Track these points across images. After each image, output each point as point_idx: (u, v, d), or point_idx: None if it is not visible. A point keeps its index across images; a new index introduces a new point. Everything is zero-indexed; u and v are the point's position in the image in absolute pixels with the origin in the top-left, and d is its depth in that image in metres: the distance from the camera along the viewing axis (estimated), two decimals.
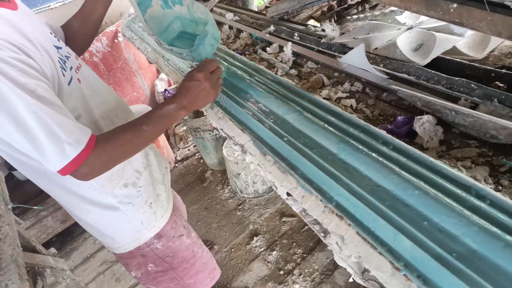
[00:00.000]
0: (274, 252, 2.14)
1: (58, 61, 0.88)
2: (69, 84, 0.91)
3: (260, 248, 2.19)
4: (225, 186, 2.73)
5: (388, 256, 0.60)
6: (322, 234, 0.76)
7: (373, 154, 0.75)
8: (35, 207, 2.25)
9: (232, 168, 2.46)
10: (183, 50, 1.02)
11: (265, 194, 2.56)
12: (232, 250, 2.24)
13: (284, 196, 0.87)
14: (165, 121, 0.93)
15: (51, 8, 2.75)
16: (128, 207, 1.10)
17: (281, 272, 2.02)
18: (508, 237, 0.53)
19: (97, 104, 1.02)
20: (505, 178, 0.69)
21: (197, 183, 2.86)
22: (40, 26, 0.93)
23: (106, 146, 0.82)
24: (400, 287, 0.57)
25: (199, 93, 0.96)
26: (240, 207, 2.53)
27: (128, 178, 1.10)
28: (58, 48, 0.93)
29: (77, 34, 1.15)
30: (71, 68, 0.95)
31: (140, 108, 3.08)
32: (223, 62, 1.28)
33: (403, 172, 0.68)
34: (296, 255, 2.08)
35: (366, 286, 0.67)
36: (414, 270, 0.57)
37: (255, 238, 2.25)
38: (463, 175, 0.64)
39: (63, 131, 0.74)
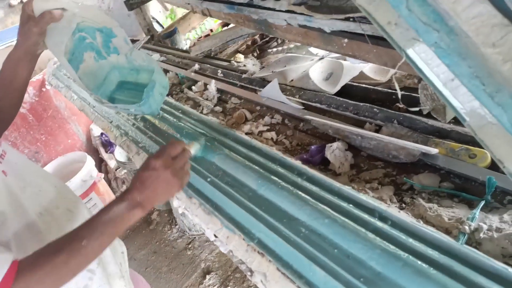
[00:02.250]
0: None
1: None
2: None
3: (214, 286, 2.14)
4: (173, 226, 2.66)
5: None
6: (249, 273, 0.76)
7: (289, 187, 0.77)
8: None
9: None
10: (129, 106, 0.90)
11: None
12: None
13: (212, 238, 0.87)
14: (113, 228, 0.69)
15: None
16: None
17: None
18: (406, 256, 0.56)
19: (31, 198, 0.85)
20: (408, 196, 0.74)
21: (143, 227, 2.76)
22: None
23: (31, 277, 0.60)
24: None
25: (157, 186, 0.73)
26: (190, 245, 2.47)
27: (79, 281, 0.89)
28: None
29: None
30: None
31: (76, 156, 2.97)
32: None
33: (315, 202, 0.71)
34: None
35: None
36: None
37: (207, 277, 2.19)
38: (367, 199, 0.68)
39: None
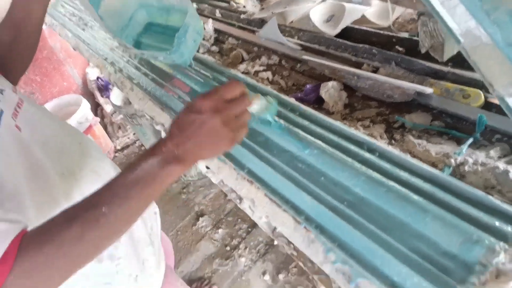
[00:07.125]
0: (220, 230, 2.17)
1: None
2: None
3: (206, 227, 2.22)
4: None
5: (291, 212, 0.64)
6: (238, 201, 0.79)
7: (281, 121, 0.78)
8: None
9: None
10: (158, 53, 0.80)
11: None
12: (178, 233, 2.24)
13: (204, 170, 0.89)
14: (142, 190, 0.52)
15: None
16: None
17: (228, 248, 2.06)
18: (390, 183, 0.58)
19: (52, 156, 0.71)
20: (398, 133, 0.75)
21: None
22: None
23: (37, 257, 0.45)
24: (301, 239, 0.61)
25: (201, 135, 0.54)
26: (184, 190, 2.52)
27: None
28: None
29: (11, 50, 0.81)
30: (1, 112, 0.62)
31: (71, 99, 2.95)
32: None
33: (305, 135, 0.72)
34: (241, 230, 2.13)
35: (277, 242, 0.71)
36: (312, 221, 0.61)
37: (200, 219, 2.27)
38: (357, 133, 0.68)
39: None
